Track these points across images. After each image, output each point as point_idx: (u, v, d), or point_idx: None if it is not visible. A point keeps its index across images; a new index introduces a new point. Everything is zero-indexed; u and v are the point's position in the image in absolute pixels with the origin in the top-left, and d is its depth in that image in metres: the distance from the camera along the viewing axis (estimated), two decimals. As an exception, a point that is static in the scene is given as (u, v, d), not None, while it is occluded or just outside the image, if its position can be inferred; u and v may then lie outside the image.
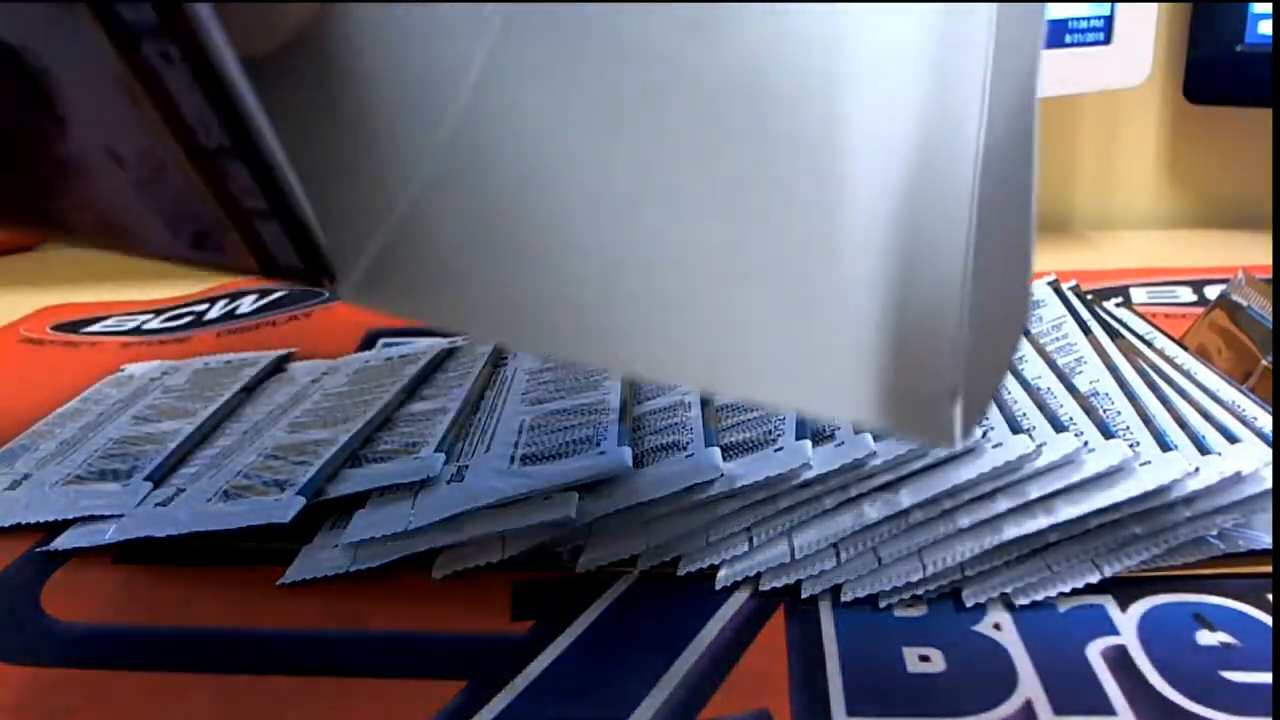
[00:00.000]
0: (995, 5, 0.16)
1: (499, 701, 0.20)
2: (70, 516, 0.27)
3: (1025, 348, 0.28)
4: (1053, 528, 0.22)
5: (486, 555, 0.24)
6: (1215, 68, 0.52)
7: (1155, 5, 0.45)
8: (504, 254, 0.14)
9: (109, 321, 0.46)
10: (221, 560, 0.26)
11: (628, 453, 0.25)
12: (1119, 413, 0.24)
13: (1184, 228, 0.59)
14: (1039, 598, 0.22)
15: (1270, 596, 0.22)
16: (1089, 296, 0.32)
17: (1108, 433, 0.22)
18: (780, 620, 0.22)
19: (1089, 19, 0.45)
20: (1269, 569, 0.22)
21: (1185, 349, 0.28)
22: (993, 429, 0.23)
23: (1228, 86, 0.51)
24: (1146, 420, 0.23)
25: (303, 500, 0.26)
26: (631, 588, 0.23)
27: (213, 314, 0.45)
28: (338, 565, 0.25)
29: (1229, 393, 0.25)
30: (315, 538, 0.26)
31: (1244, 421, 0.24)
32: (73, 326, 0.45)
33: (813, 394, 0.14)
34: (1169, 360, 0.27)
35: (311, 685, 0.21)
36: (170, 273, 0.58)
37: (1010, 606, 0.22)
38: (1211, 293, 0.41)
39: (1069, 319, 0.29)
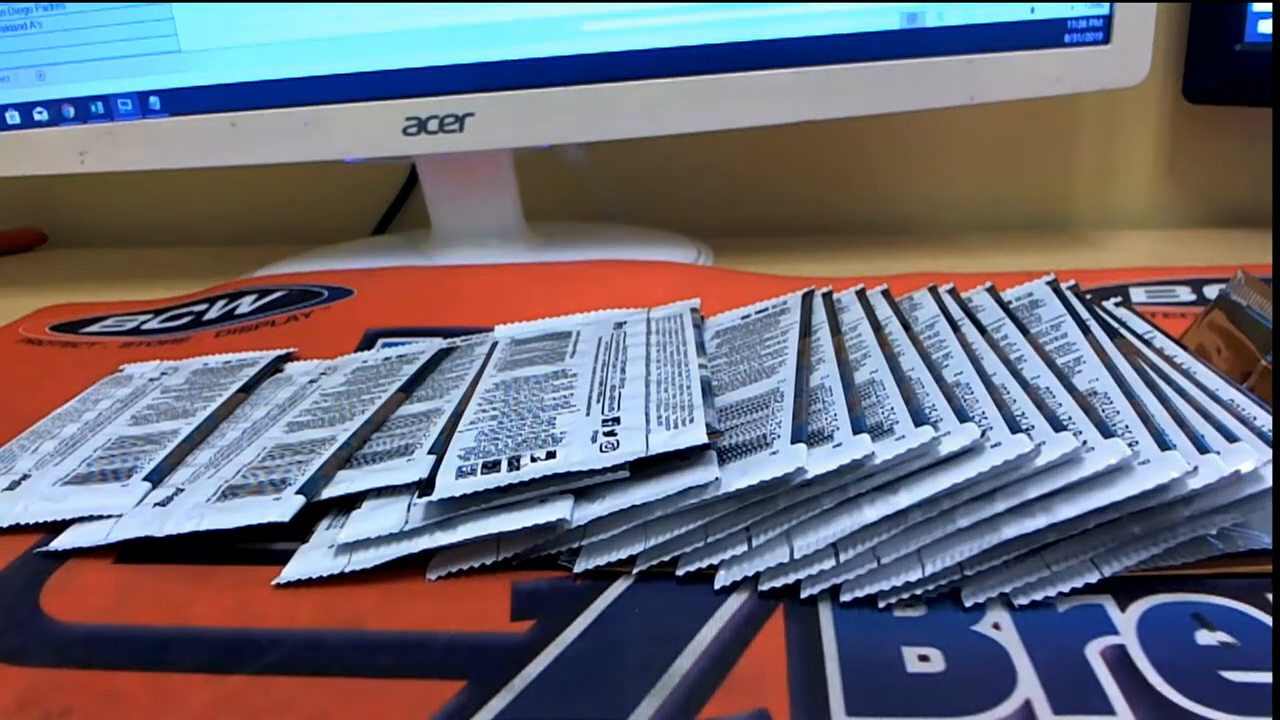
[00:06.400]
0: None
1: (498, 702, 0.20)
2: (69, 517, 0.27)
3: (1024, 347, 0.28)
4: (1051, 527, 0.22)
5: (481, 557, 0.24)
6: (1214, 67, 0.52)
7: (1154, 5, 0.45)
8: None
9: (108, 322, 0.46)
10: (221, 560, 0.26)
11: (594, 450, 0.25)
12: (1118, 412, 0.24)
13: (1183, 227, 0.59)
14: (1038, 597, 0.22)
15: (1270, 596, 0.22)
16: (1088, 296, 0.32)
17: (1107, 432, 0.22)
18: (779, 621, 0.22)
19: (1088, 18, 0.45)
20: (1268, 569, 0.22)
21: (1185, 348, 0.28)
22: (992, 429, 0.23)
23: (1226, 86, 0.51)
24: (1146, 419, 0.23)
25: (302, 499, 0.26)
26: (630, 588, 0.23)
27: (212, 314, 0.45)
28: (333, 566, 0.25)
29: (1228, 392, 0.25)
30: (311, 537, 0.26)
31: (1243, 421, 0.24)
32: (72, 327, 0.45)
33: None
34: (1168, 360, 0.27)
35: (311, 685, 0.21)
36: (169, 273, 0.58)
37: (1009, 606, 0.22)
38: (1211, 292, 0.41)
39: (1068, 318, 0.29)
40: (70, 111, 0.50)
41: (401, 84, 0.48)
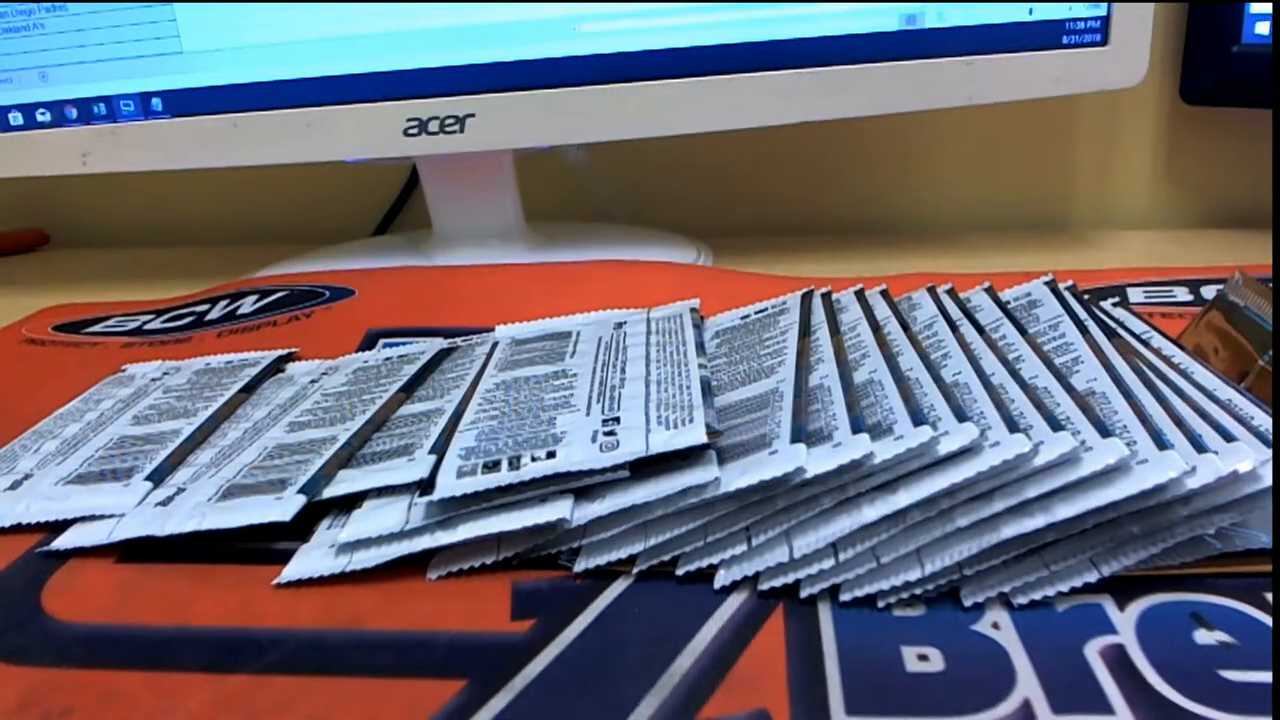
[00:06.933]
0: None
1: (498, 701, 0.20)
2: (71, 516, 0.27)
3: (1022, 347, 0.28)
4: (1050, 527, 0.22)
5: (481, 556, 0.25)
6: (1212, 68, 0.52)
7: (1152, 6, 0.45)
8: None
9: (110, 322, 0.46)
10: (222, 559, 0.26)
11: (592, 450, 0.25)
12: (1116, 412, 0.24)
13: (1181, 228, 0.59)
14: (1037, 597, 0.22)
15: (1269, 595, 0.22)
16: (1086, 296, 0.32)
17: (1105, 432, 0.22)
18: (779, 620, 0.22)
19: (1086, 19, 0.45)
20: (1267, 568, 0.22)
21: (1182, 349, 0.29)
22: (990, 428, 0.23)
23: (1224, 87, 0.51)
24: (1144, 419, 0.23)
25: (303, 499, 0.26)
26: (630, 588, 0.24)
27: (214, 314, 0.45)
28: (334, 565, 0.25)
29: (1226, 392, 0.25)
30: (312, 537, 0.26)
31: (1241, 420, 0.24)
32: (74, 327, 0.46)
33: None
34: (1166, 360, 0.27)
35: (311, 685, 0.21)
36: (171, 273, 0.58)
37: (1009, 606, 0.22)
38: (1208, 293, 0.41)
39: (1066, 319, 0.30)
40: (73, 112, 0.50)
41: (403, 85, 0.48)
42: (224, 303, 0.47)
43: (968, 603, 0.22)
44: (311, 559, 0.25)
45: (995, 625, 0.21)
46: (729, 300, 0.38)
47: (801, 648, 0.21)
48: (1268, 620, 0.21)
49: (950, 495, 0.22)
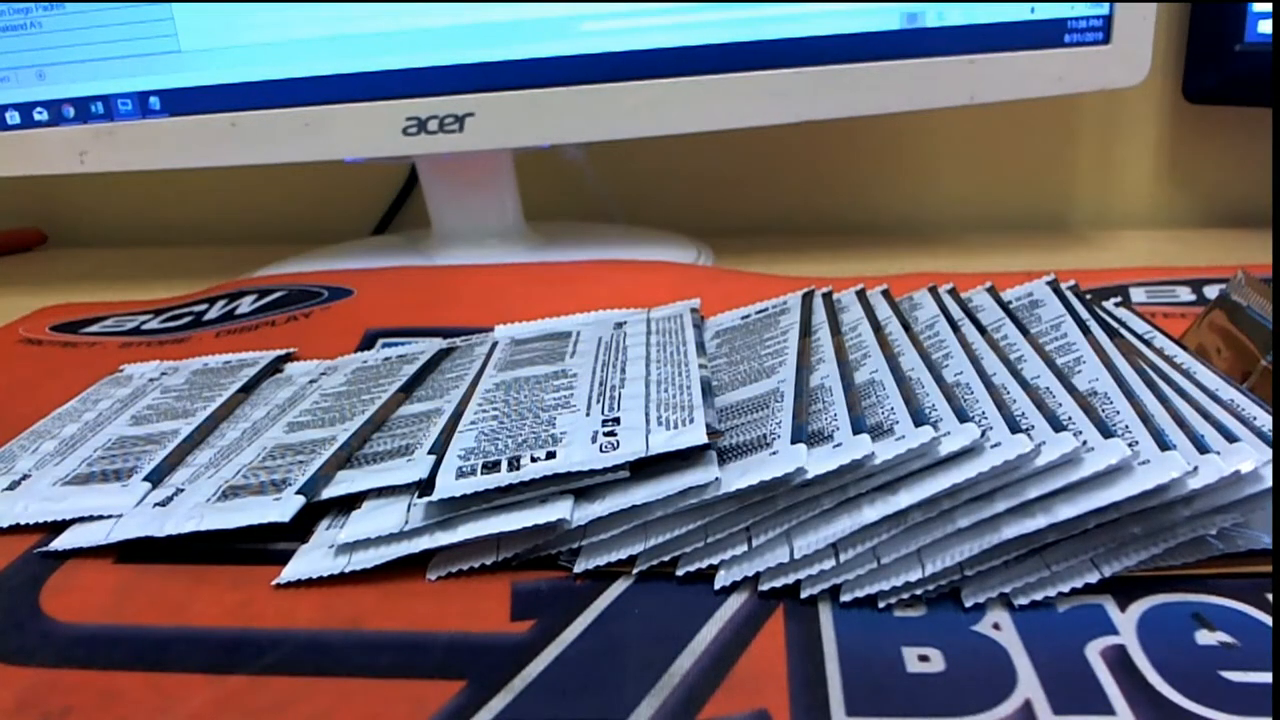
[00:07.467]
0: None
1: (498, 702, 0.20)
2: (69, 517, 0.27)
3: (1024, 347, 0.28)
4: (1051, 527, 0.22)
5: (481, 557, 0.24)
6: (1214, 67, 0.52)
7: (1154, 5, 0.45)
8: None
9: (108, 322, 0.46)
10: (221, 560, 0.26)
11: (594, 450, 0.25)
12: (1118, 412, 0.24)
13: (1183, 227, 0.59)
14: (1038, 597, 0.22)
15: (1270, 596, 0.22)
16: (1088, 296, 0.32)
17: (1107, 432, 0.22)
18: (779, 621, 0.22)
19: (1088, 18, 0.45)
20: (1269, 569, 0.22)
21: (1184, 349, 0.28)
22: (991, 429, 0.23)
23: (1227, 86, 0.51)
24: (1145, 419, 0.23)
25: (302, 499, 0.26)
26: (630, 588, 0.23)
27: (212, 314, 0.45)
28: (333, 566, 0.25)
29: (1228, 392, 0.25)
30: (311, 538, 0.26)
31: (1243, 421, 0.24)
32: (72, 327, 0.45)
33: None
34: (1168, 360, 0.27)
35: (311, 685, 0.21)
36: (169, 273, 0.58)
37: (1009, 606, 0.22)
38: (1211, 292, 0.41)
39: (1068, 318, 0.29)
40: (70, 111, 0.50)
41: (401, 84, 0.48)
42: (222, 303, 0.47)
43: (968, 603, 0.22)
44: (310, 559, 0.25)
45: (996, 626, 0.21)
46: (729, 300, 0.38)
47: (802, 648, 0.21)
48: (1269, 621, 0.21)
49: (951, 496, 0.22)
